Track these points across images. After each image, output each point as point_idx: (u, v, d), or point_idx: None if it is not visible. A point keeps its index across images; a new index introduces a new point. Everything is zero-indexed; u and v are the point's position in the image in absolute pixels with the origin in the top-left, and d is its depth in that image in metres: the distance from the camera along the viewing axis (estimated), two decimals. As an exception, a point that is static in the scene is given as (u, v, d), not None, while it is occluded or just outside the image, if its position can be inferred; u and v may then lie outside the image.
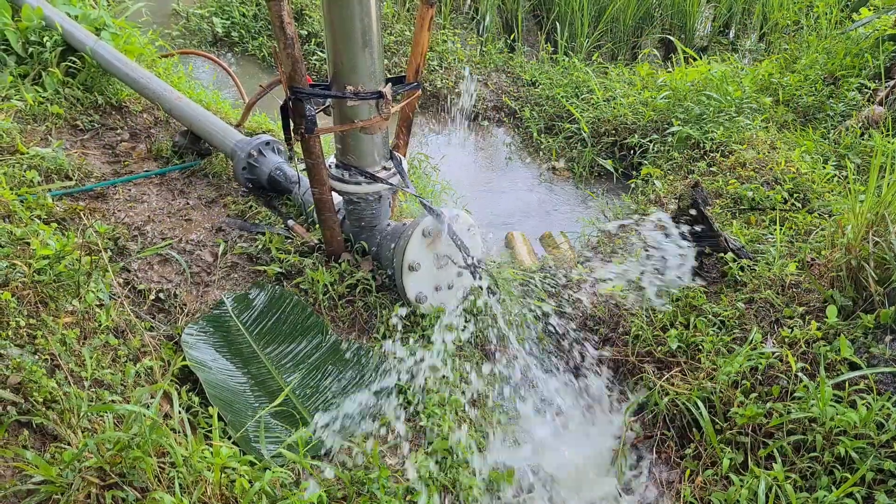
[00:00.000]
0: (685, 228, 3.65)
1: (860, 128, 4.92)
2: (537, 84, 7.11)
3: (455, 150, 6.56)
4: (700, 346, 3.28)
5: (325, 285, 3.40)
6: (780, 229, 3.76)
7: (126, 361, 2.74)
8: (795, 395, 2.79)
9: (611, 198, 5.58)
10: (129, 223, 3.68)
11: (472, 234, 3.35)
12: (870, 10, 6.51)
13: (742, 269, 3.55)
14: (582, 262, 4.31)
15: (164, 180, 4.15)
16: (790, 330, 3.08)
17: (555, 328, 3.68)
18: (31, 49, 4.53)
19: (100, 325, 2.82)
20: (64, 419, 2.30)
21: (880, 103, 5.19)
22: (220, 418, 2.62)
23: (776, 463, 2.62)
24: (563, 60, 7.30)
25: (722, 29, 8.59)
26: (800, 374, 2.83)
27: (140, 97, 4.75)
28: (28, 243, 2.88)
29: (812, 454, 2.61)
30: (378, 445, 2.75)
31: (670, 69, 6.79)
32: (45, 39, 4.51)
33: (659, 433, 3.18)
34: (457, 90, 7.01)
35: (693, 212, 3.62)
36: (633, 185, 5.26)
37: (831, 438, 2.59)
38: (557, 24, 7.78)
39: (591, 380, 3.51)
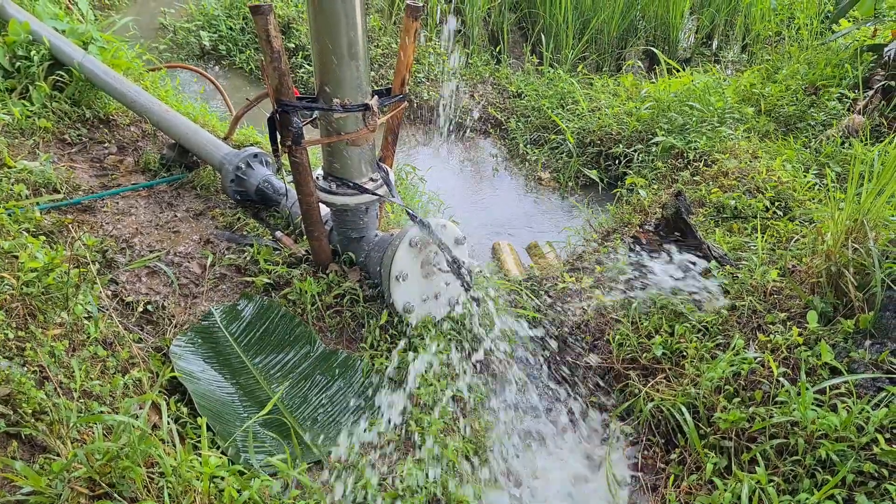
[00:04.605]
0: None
1: (840, 137, 4.99)
2: (523, 95, 7.17)
3: (442, 161, 6.60)
4: (684, 353, 3.32)
5: (313, 296, 3.42)
6: (762, 237, 3.82)
7: (115, 373, 2.75)
8: (777, 399, 2.83)
9: (596, 207, 5.63)
10: (117, 236, 3.69)
11: (460, 245, 3.38)
12: (849, 21, 6.63)
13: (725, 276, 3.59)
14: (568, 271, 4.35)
15: (151, 193, 4.17)
16: (772, 335, 3.13)
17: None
18: (18, 63, 4.55)
19: (88, 337, 2.83)
20: (53, 430, 2.31)
21: (860, 112, 5.28)
22: (208, 428, 2.64)
23: (759, 466, 2.66)
24: (549, 72, 7.38)
25: (705, 40, 8.70)
26: (781, 378, 2.87)
27: (128, 110, 4.77)
28: (16, 256, 2.89)
29: (794, 457, 2.65)
30: (367, 453, 2.77)
31: (654, 80, 6.87)
32: (32, 54, 4.53)
33: (644, 439, 3.22)
34: (443, 102, 7.07)
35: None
36: (618, 195, 5.31)
37: (813, 442, 2.64)
38: (542, 35, 7.86)
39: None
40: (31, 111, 4.38)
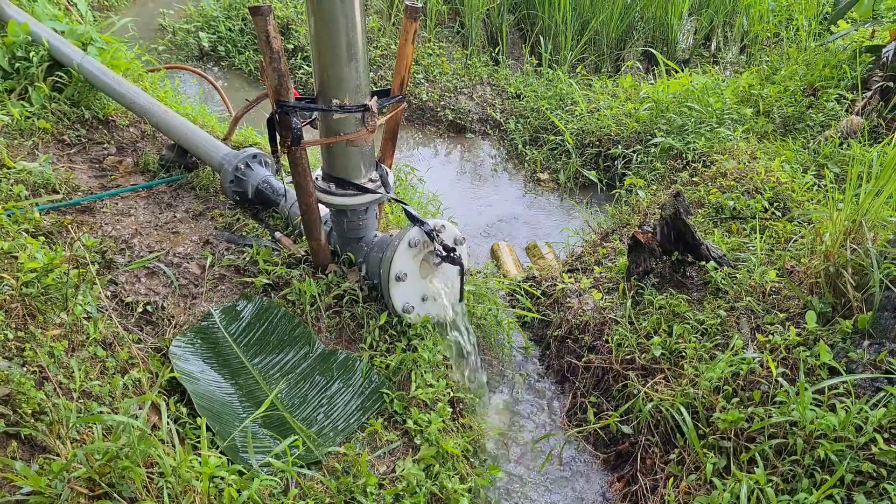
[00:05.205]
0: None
1: (839, 137, 5.00)
2: (522, 96, 7.18)
3: (441, 161, 6.61)
4: (683, 353, 3.32)
5: (313, 296, 3.42)
6: (761, 238, 3.82)
7: (114, 373, 2.75)
8: (776, 399, 2.83)
9: (595, 208, 5.63)
10: (117, 236, 3.69)
11: (459, 245, 3.39)
12: (847, 22, 6.64)
13: (724, 276, 3.60)
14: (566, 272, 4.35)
15: (151, 194, 4.17)
16: (771, 336, 3.13)
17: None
18: (17, 64, 4.55)
19: (87, 338, 2.83)
20: (53, 430, 2.31)
21: (858, 113, 5.29)
22: (208, 429, 2.64)
23: (758, 466, 2.66)
24: (548, 73, 7.39)
25: (703, 41, 8.71)
26: (780, 379, 2.87)
27: (127, 111, 4.77)
28: (16, 257, 2.89)
29: (793, 457, 2.65)
30: (367, 454, 2.77)
31: (653, 81, 6.87)
32: (31, 55, 4.53)
33: (643, 439, 3.22)
34: (441, 103, 7.07)
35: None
36: (616, 196, 5.32)
37: (811, 441, 2.64)
38: (541, 37, 7.87)
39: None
40: (31, 112, 4.38)
